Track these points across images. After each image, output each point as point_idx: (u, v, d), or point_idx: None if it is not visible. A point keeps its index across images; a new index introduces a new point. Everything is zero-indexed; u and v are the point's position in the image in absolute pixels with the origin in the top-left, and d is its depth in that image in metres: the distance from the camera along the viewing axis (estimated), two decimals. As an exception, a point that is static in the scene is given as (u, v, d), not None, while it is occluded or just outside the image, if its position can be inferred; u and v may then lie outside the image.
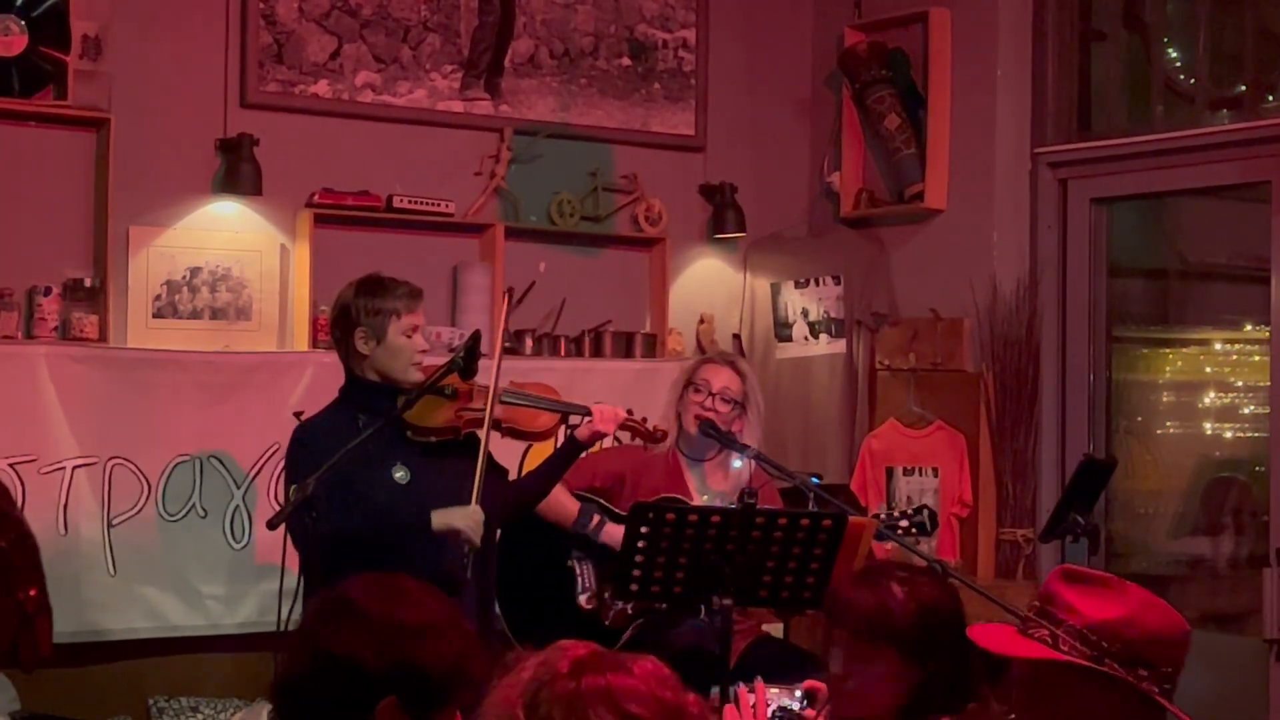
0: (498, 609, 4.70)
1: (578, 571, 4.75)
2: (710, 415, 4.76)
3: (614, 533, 4.54)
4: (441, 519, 4.04)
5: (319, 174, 5.64)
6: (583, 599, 4.74)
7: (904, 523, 4.73)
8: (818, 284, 6.38)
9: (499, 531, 4.65)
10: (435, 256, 5.81)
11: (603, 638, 4.52)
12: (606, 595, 4.69)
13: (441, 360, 4.29)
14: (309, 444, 4.11)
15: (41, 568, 4.48)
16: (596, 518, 4.70)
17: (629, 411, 4.47)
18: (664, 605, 4.35)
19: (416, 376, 4.20)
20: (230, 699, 5.29)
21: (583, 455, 4.51)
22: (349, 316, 4.21)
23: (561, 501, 4.70)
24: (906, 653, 2.81)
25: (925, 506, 4.83)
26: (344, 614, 2.25)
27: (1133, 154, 5.85)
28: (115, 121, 5.23)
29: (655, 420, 4.70)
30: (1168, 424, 6.28)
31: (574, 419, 4.47)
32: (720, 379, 4.82)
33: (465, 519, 4.02)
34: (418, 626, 2.22)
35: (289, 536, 4.03)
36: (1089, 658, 2.36)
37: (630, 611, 4.62)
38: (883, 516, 4.81)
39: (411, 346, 4.21)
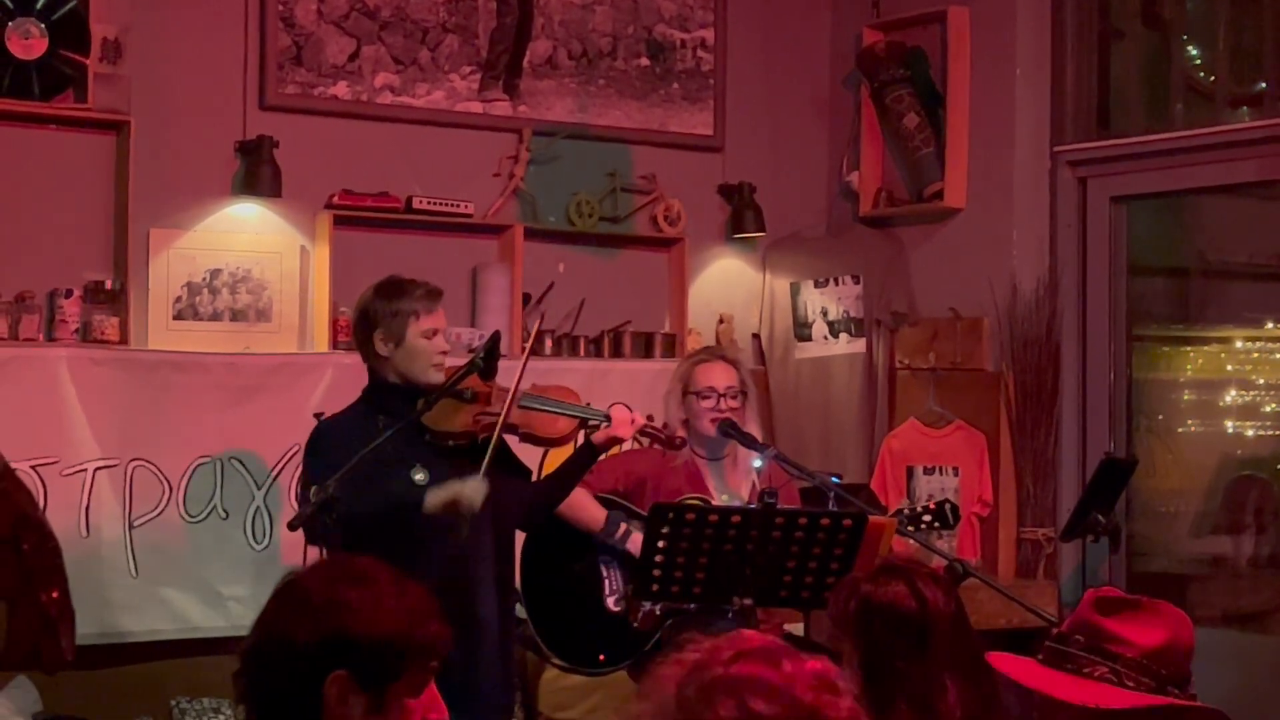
0: (525, 613, 4.69)
1: (605, 574, 4.73)
2: (727, 415, 4.73)
3: (640, 543, 4.49)
4: (435, 497, 3.96)
5: (338, 175, 5.65)
6: (611, 601, 4.72)
7: (926, 516, 4.72)
8: (837, 283, 6.38)
9: (524, 536, 4.65)
10: (454, 258, 5.82)
11: (631, 640, 4.55)
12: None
13: (461, 361, 4.29)
14: (328, 441, 4.11)
15: (63, 570, 4.50)
16: (623, 527, 4.65)
17: (649, 418, 4.43)
18: (692, 605, 4.33)
19: (437, 378, 4.18)
20: (252, 700, 5.29)
21: (602, 458, 4.48)
22: (368, 319, 4.21)
23: (587, 507, 4.67)
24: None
25: (947, 500, 4.83)
26: (287, 596, 2.36)
27: (1152, 152, 5.84)
28: (135, 124, 5.24)
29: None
30: (1189, 423, 6.26)
31: (592, 422, 4.44)
32: (721, 378, 4.75)
33: (461, 486, 3.93)
34: (352, 601, 2.27)
35: (308, 536, 4.02)
36: (1153, 689, 2.29)
37: (659, 613, 4.60)
38: (905, 511, 4.80)
39: (431, 348, 4.19)
